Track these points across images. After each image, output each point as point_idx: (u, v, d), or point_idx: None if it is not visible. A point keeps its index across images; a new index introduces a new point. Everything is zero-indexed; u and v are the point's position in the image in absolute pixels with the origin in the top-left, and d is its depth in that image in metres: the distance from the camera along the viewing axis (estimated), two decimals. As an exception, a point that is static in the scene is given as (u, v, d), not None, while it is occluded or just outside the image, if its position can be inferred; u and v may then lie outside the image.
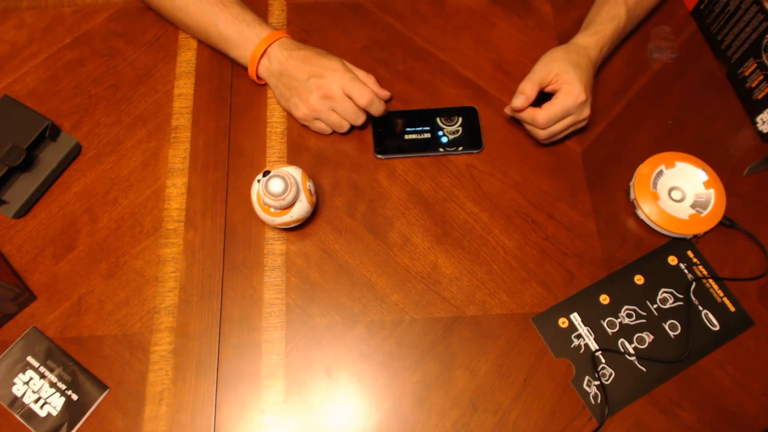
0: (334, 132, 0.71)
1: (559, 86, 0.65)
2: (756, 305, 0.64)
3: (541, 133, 0.67)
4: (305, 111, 0.68)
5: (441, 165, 0.71)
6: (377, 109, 0.68)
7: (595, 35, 0.69)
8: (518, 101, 0.65)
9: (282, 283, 0.65)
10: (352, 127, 0.71)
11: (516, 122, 0.70)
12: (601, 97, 0.74)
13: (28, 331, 0.62)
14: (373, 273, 0.65)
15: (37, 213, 0.68)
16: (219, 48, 0.72)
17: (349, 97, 0.67)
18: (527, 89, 0.65)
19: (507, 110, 0.70)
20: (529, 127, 0.69)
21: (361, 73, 0.71)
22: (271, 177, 0.57)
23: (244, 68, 0.72)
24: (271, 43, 0.68)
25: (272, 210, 0.60)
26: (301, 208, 0.61)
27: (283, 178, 0.57)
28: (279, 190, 0.57)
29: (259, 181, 0.58)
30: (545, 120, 0.65)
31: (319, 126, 0.70)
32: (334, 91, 0.66)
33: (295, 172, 0.61)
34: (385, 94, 0.73)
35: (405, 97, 0.74)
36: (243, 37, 0.69)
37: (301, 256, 0.66)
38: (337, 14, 0.79)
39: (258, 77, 0.71)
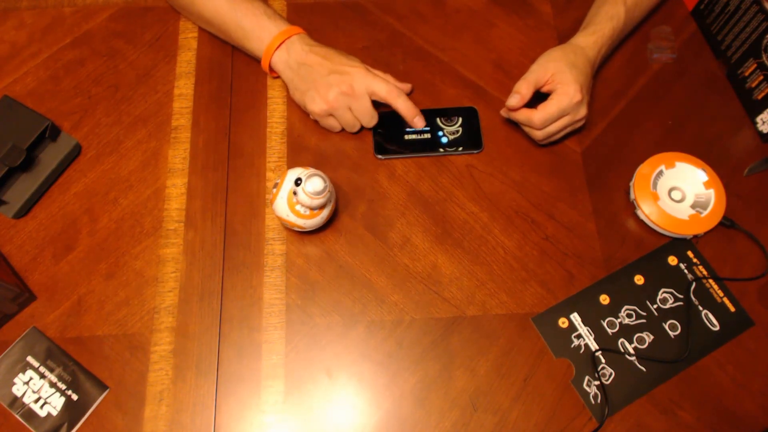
0: (342, 130, 0.71)
1: (555, 86, 0.65)
2: (756, 305, 0.64)
3: (538, 134, 0.67)
4: (322, 106, 0.68)
5: (441, 165, 0.71)
6: (404, 104, 0.68)
7: (593, 35, 0.69)
8: (513, 100, 0.66)
9: (282, 283, 0.65)
10: (361, 128, 0.71)
11: (516, 123, 0.70)
12: (601, 97, 0.74)
13: (28, 331, 0.62)
14: (373, 273, 0.65)
15: (37, 213, 0.68)
16: (234, 39, 0.72)
17: (374, 96, 0.67)
18: (522, 89, 0.65)
19: (503, 112, 0.70)
20: (526, 128, 0.69)
21: (379, 74, 0.71)
22: (311, 175, 0.58)
23: (256, 60, 0.72)
24: (291, 36, 0.68)
25: (303, 212, 0.60)
26: (322, 217, 0.62)
27: (322, 177, 0.58)
28: (320, 187, 0.57)
29: (297, 182, 0.58)
30: (541, 120, 0.65)
31: (331, 123, 0.70)
32: (355, 88, 0.66)
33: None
34: (407, 86, 0.73)
35: (405, 97, 0.74)
36: (262, 28, 0.69)
37: (301, 256, 0.66)
38: (337, 14, 0.79)
39: (270, 69, 0.71)
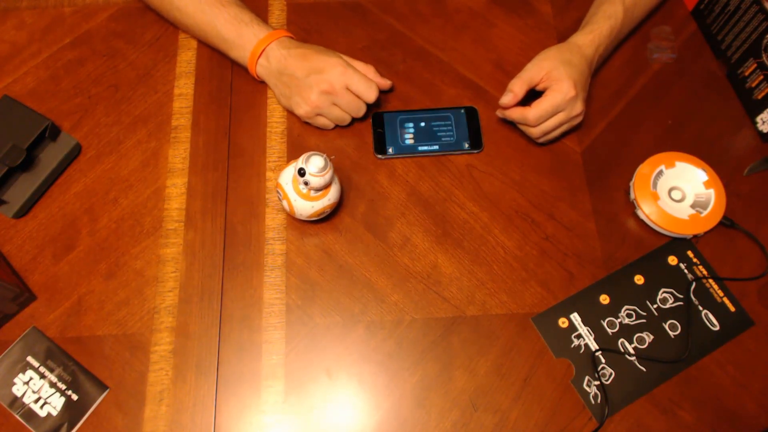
0: (336, 126, 0.71)
1: (550, 84, 0.65)
2: (756, 305, 0.64)
3: (534, 131, 0.67)
4: (307, 108, 0.68)
5: (441, 165, 0.71)
6: (374, 96, 0.68)
7: (590, 33, 0.69)
8: (506, 98, 0.67)
9: (282, 283, 0.65)
10: (353, 120, 0.71)
11: (514, 123, 0.70)
12: (601, 97, 0.74)
13: (28, 331, 0.62)
14: (373, 273, 0.65)
15: (37, 213, 0.68)
16: (219, 48, 0.72)
17: (352, 92, 0.67)
18: (516, 87, 0.66)
19: (498, 112, 0.70)
20: (522, 127, 0.69)
21: (360, 65, 0.71)
22: (310, 155, 0.58)
23: (245, 68, 0.72)
24: (269, 43, 0.68)
25: (312, 194, 0.60)
26: (336, 190, 0.62)
27: (322, 156, 0.58)
28: (321, 164, 0.58)
29: (301, 172, 0.58)
30: (535, 117, 0.65)
31: (322, 122, 0.70)
32: (334, 85, 0.66)
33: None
34: (387, 83, 0.73)
35: (405, 97, 0.74)
36: (241, 37, 0.69)
37: (301, 256, 0.66)
38: (337, 14, 0.79)
39: (257, 76, 0.72)
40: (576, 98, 0.65)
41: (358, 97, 0.68)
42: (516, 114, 0.67)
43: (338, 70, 0.66)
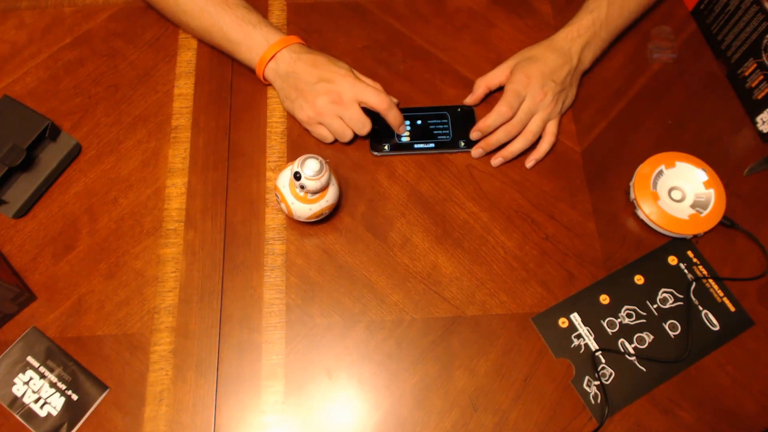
0: (335, 141, 0.71)
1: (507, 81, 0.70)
2: (756, 305, 0.64)
3: (515, 127, 0.68)
4: (310, 113, 0.68)
5: (441, 165, 0.71)
6: (395, 116, 0.68)
7: (568, 27, 0.71)
8: (468, 98, 0.73)
9: (282, 283, 0.65)
10: (355, 137, 0.70)
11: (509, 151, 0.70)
12: (601, 97, 0.74)
13: (28, 331, 0.62)
14: (373, 273, 0.65)
15: (37, 213, 0.68)
16: (224, 50, 0.72)
17: (363, 104, 0.67)
18: (478, 87, 0.72)
19: (475, 154, 0.71)
20: (515, 145, 0.69)
21: (368, 81, 0.71)
22: (306, 158, 0.58)
23: (250, 70, 0.72)
24: (281, 49, 0.68)
25: (309, 196, 0.60)
26: (334, 191, 0.62)
27: (317, 159, 0.58)
28: (316, 168, 0.58)
29: (296, 176, 0.58)
30: (507, 105, 0.67)
31: (321, 132, 0.69)
32: (343, 96, 0.66)
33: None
34: (393, 100, 0.73)
35: (405, 97, 0.74)
36: (249, 38, 0.69)
37: (301, 256, 0.66)
38: (337, 14, 0.79)
39: (264, 78, 0.71)
40: (531, 85, 0.67)
41: (374, 110, 0.67)
42: (488, 123, 0.68)
43: (349, 82, 0.66)
